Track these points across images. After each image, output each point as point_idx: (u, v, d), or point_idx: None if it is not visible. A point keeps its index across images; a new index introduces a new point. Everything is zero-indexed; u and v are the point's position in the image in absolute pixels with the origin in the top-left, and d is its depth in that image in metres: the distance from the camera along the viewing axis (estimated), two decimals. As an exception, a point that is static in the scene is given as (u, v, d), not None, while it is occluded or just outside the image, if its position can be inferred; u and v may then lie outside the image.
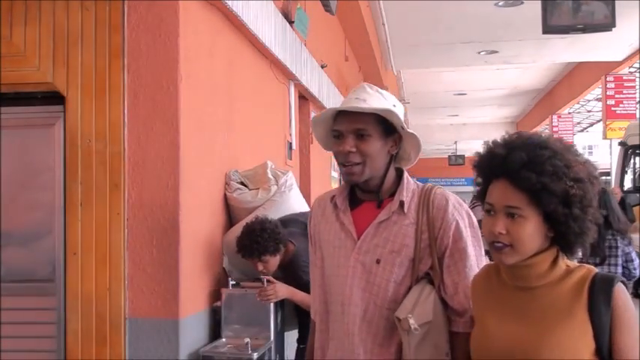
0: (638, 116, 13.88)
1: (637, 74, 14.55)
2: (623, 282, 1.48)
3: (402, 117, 1.88)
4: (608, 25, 7.15)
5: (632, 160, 12.43)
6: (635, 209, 11.05)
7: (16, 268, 2.99)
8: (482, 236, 1.78)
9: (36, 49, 2.93)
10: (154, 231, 2.83)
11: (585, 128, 26.06)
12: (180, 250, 2.81)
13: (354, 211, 1.95)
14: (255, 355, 2.91)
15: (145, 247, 2.83)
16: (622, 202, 11.20)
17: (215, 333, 3.17)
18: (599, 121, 20.17)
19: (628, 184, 12.61)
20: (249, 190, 3.46)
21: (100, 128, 2.86)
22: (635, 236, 10.02)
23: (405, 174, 1.96)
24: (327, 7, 5.54)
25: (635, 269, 4.46)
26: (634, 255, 4.48)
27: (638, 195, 11.46)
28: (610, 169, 16.01)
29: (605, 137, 14.72)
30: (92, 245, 2.84)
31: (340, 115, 1.89)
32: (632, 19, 8.87)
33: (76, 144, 2.88)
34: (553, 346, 1.45)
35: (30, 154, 3.03)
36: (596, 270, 1.51)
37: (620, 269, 4.41)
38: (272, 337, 3.10)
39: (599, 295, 1.46)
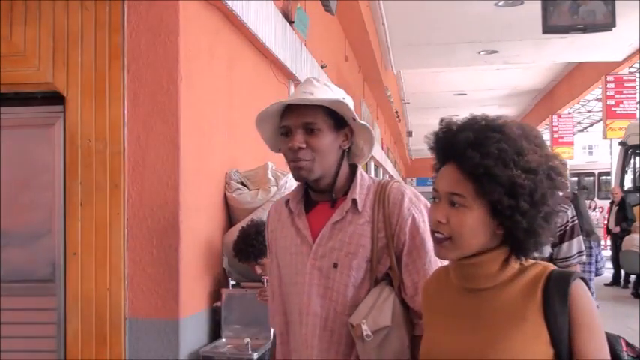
0: (638, 116, 13.90)
1: (637, 74, 14.57)
2: (583, 279, 1.33)
3: (352, 108, 1.78)
4: (608, 25, 7.16)
5: (632, 160, 12.44)
6: (635, 209, 11.06)
7: (16, 268, 2.99)
8: None
9: (36, 49, 2.93)
10: (154, 231, 2.83)
11: (585, 128, 26.08)
12: (180, 250, 2.81)
13: (309, 215, 1.83)
14: (255, 355, 2.91)
15: (145, 247, 2.83)
16: (622, 202, 11.24)
17: (215, 333, 3.17)
18: (599, 121, 20.18)
19: (628, 184, 12.62)
20: (249, 190, 3.46)
21: (100, 128, 2.86)
22: (635, 236, 10.06)
23: (359, 170, 1.85)
24: (327, 7, 5.54)
25: (601, 268, 4.78)
26: (601, 255, 4.77)
27: (638, 195, 11.47)
28: (610, 169, 16.02)
29: (605, 137, 14.74)
30: (92, 245, 2.84)
31: (287, 110, 1.77)
32: (632, 19, 8.87)
33: (76, 144, 2.88)
34: (503, 352, 1.29)
35: (30, 154, 3.03)
36: (552, 267, 1.35)
37: (593, 269, 4.72)
38: (272, 337, 3.10)
39: (553, 294, 1.29)
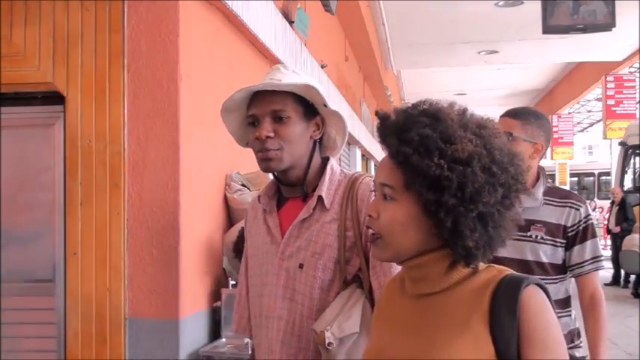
0: (638, 116, 13.90)
1: (637, 74, 14.57)
2: (540, 285, 1.14)
3: (322, 94, 1.68)
4: (608, 25, 7.16)
5: (632, 160, 12.44)
6: (636, 209, 11.06)
7: (16, 268, 2.98)
8: None
9: (36, 49, 2.93)
10: (154, 231, 2.83)
11: (585, 128, 26.08)
12: (180, 251, 2.81)
13: (280, 211, 1.72)
14: (255, 355, 2.91)
15: (145, 247, 2.83)
16: (622, 202, 11.25)
17: (215, 333, 3.16)
18: (599, 121, 20.19)
19: (628, 184, 12.63)
20: (250, 191, 3.46)
21: (100, 128, 2.86)
22: (635, 236, 10.06)
23: (330, 163, 1.73)
24: (327, 7, 5.54)
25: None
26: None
27: (638, 195, 11.48)
28: (610, 169, 16.03)
29: (605, 137, 14.75)
30: (92, 245, 2.84)
31: (254, 99, 1.67)
32: (632, 19, 8.87)
33: (76, 144, 2.88)
34: None
35: (30, 154, 3.03)
36: (508, 272, 1.17)
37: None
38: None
39: (501, 301, 1.11)
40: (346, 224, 1.63)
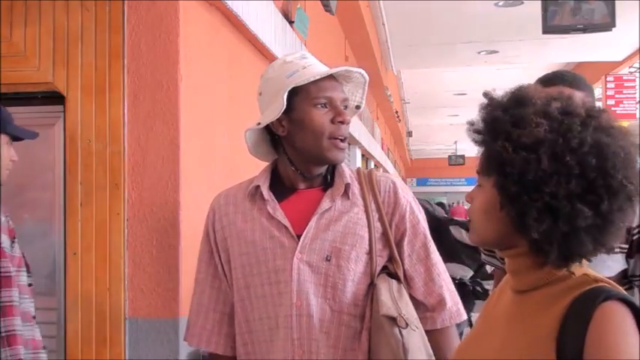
0: (638, 116, 13.89)
1: (637, 74, 14.56)
2: (625, 300, 1.00)
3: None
4: (608, 25, 7.15)
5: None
6: (635, 209, 11.06)
7: (16, 268, 2.98)
8: None
9: (36, 49, 2.93)
10: (154, 231, 2.83)
11: (585, 128, 26.07)
12: (180, 250, 2.81)
13: (282, 204, 1.64)
14: (255, 355, 2.91)
15: (145, 247, 2.83)
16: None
17: (215, 333, 3.16)
18: (599, 121, 20.18)
19: (628, 184, 12.62)
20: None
21: (100, 128, 2.86)
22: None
23: None
24: (327, 7, 5.54)
25: None
26: None
27: (638, 195, 11.47)
28: (610, 169, 16.00)
29: (605, 137, 14.74)
30: (92, 245, 2.84)
31: (320, 80, 1.60)
32: (632, 19, 8.87)
33: (76, 144, 2.88)
34: None
35: (30, 154, 3.03)
36: (601, 282, 1.05)
37: None
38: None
39: (575, 314, 0.99)
40: (373, 215, 1.60)
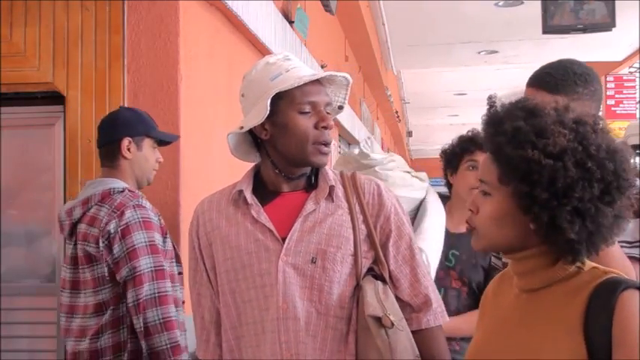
0: (638, 116, 13.89)
1: (637, 74, 14.56)
2: None
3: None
4: (608, 25, 7.15)
5: (632, 160, 12.42)
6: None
7: (16, 268, 2.98)
8: None
9: (36, 49, 2.93)
10: (154, 231, 2.82)
11: (585, 128, 26.07)
12: (180, 250, 2.81)
13: (266, 207, 1.62)
14: (255, 355, 2.90)
15: (145, 247, 2.82)
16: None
17: (215, 333, 3.16)
18: (599, 121, 20.17)
19: (628, 184, 12.62)
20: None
21: (100, 128, 2.86)
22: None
23: None
24: (327, 7, 5.54)
25: None
26: None
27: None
28: (610, 169, 16.00)
29: (605, 137, 14.73)
30: (92, 245, 2.84)
31: (306, 85, 1.59)
32: (632, 19, 8.86)
33: (76, 144, 2.88)
34: None
35: (30, 154, 3.03)
36: (612, 273, 1.14)
37: None
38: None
39: (597, 305, 1.08)
40: (357, 217, 1.60)
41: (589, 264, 1.18)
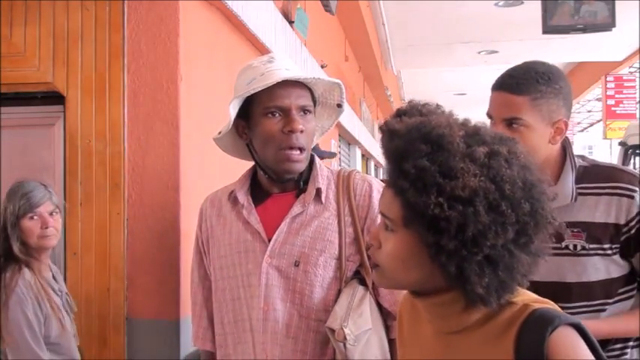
0: (638, 116, 13.90)
1: (637, 74, 14.57)
2: (575, 325, 0.98)
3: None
4: (608, 25, 7.16)
5: (632, 160, 12.45)
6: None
7: (16, 268, 2.98)
8: None
9: (36, 49, 2.93)
10: (154, 231, 2.83)
11: (585, 128, 26.08)
12: (180, 250, 2.81)
13: (258, 208, 1.62)
14: (256, 355, 2.91)
15: (145, 247, 2.83)
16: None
17: (215, 333, 3.16)
18: (599, 121, 20.19)
19: (628, 184, 12.61)
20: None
21: (100, 128, 2.86)
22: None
23: (316, 158, 1.65)
24: (327, 7, 5.54)
25: None
26: None
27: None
28: (610, 169, 16.01)
29: (605, 137, 14.76)
30: (92, 245, 2.84)
31: (274, 89, 1.53)
32: (632, 19, 8.87)
33: (76, 144, 2.88)
34: None
35: (30, 154, 3.03)
36: (534, 307, 1.01)
37: None
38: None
39: (526, 348, 0.96)
40: (345, 220, 1.56)
41: (519, 297, 1.05)
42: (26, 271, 2.19)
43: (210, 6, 3.23)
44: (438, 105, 1.16)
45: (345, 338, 1.46)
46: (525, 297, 1.05)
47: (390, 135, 1.06)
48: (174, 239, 2.82)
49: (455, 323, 1.06)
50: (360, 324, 1.49)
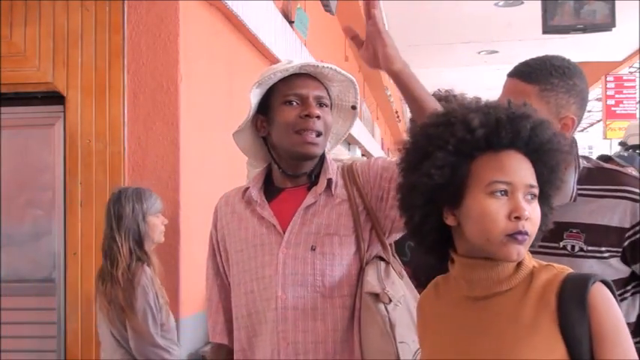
0: (638, 116, 13.89)
1: (637, 74, 14.56)
2: (606, 282, 1.12)
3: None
4: (608, 25, 7.16)
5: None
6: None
7: (16, 268, 2.98)
8: None
9: (36, 49, 2.93)
10: (154, 231, 2.82)
11: (585, 128, 26.05)
12: (180, 250, 2.81)
13: (272, 203, 1.66)
14: (255, 355, 2.91)
15: (145, 247, 2.82)
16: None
17: (215, 333, 3.16)
18: (599, 121, 20.18)
19: (628, 184, 12.61)
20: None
21: (100, 128, 2.86)
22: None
23: (327, 153, 1.70)
24: (327, 7, 5.54)
25: None
26: None
27: (638, 195, 11.45)
28: (610, 169, 16.00)
29: (605, 137, 14.75)
30: (92, 245, 2.84)
31: (293, 80, 1.62)
32: (632, 19, 8.87)
33: (76, 144, 2.88)
34: None
35: (30, 154, 3.03)
36: (568, 271, 1.14)
37: None
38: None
39: (570, 302, 1.09)
40: (356, 202, 1.61)
41: (538, 262, 1.18)
42: (147, 268, 2.51)
43: (210, 6, 3.23)
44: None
45: (390, 300, 1.50)
46: (555, 265, 1.19)
47: (507, 114, 1.16)
48: (173, 239, 2.82)
49: (503, 283, 1.16)
50: (396, 290, 1.54)
